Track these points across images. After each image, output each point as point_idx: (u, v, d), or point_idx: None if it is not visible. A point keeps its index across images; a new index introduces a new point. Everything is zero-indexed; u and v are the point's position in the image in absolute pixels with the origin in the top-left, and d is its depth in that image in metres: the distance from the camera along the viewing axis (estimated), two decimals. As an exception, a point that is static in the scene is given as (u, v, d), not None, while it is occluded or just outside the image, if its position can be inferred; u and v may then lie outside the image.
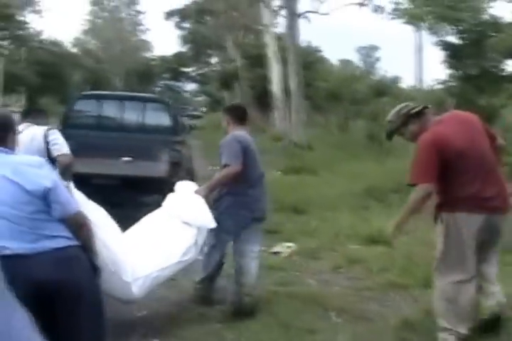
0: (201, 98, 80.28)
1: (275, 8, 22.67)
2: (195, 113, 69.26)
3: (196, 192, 4.47)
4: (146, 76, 66.94)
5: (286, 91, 20.43)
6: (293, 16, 18.95)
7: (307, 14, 20.78)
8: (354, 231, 7.14)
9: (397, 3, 12.64)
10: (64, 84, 49.54)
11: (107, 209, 3.98)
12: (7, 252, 2.52)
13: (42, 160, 2.80)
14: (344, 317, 4.39)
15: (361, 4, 14.13)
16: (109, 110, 9.41)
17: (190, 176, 10.09)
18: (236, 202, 4.53)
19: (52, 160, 5.04)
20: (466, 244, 3.69)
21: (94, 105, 9.25)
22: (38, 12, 44.53)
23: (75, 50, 64.87)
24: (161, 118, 9.15)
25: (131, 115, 9.40)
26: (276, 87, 22.82)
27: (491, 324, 3.84)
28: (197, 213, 4.35)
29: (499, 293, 3.85)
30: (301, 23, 20.59)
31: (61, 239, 2.69)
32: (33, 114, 5.75)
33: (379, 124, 13.73)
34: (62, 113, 9.28)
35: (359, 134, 17.69)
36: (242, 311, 4.44)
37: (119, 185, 7.49)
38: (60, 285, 2.61)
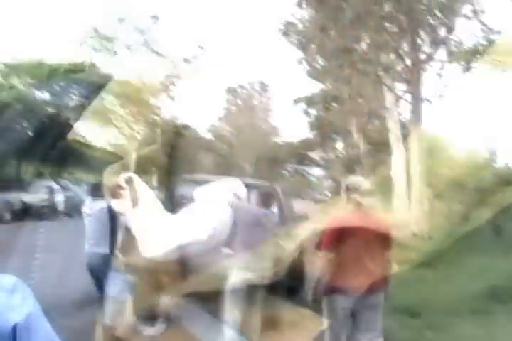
0: (327, 182, 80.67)
1: (399, 93, 22.30)
2: (319, 197, 69.56)
3: None
4: (275, 161, 68.42)
5: (408, 178, 19.69)
6: (417, 101, 18.51)
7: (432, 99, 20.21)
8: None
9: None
10: (194, 167, 51.59)
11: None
12: None
13: (15, 282, 1.86)
14: None
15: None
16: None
17: (298, 273, 9.33)
18: None
19: (114, 231, 5.90)
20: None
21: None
22: (172, 98, 46.97)
23: (208, 136, 67.93)
24: (265, 207, 8.76)
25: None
26: (397, 173, 22.09)
27: None
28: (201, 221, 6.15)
29: None
30: (427, 107, 20.05)
31: None
32: (101, 189, 6.21)
33: (506, 215, 12.58)
34: (164, 197, 9.18)
35: (483, 225, 16.43)
36: None
37: None
38: None
